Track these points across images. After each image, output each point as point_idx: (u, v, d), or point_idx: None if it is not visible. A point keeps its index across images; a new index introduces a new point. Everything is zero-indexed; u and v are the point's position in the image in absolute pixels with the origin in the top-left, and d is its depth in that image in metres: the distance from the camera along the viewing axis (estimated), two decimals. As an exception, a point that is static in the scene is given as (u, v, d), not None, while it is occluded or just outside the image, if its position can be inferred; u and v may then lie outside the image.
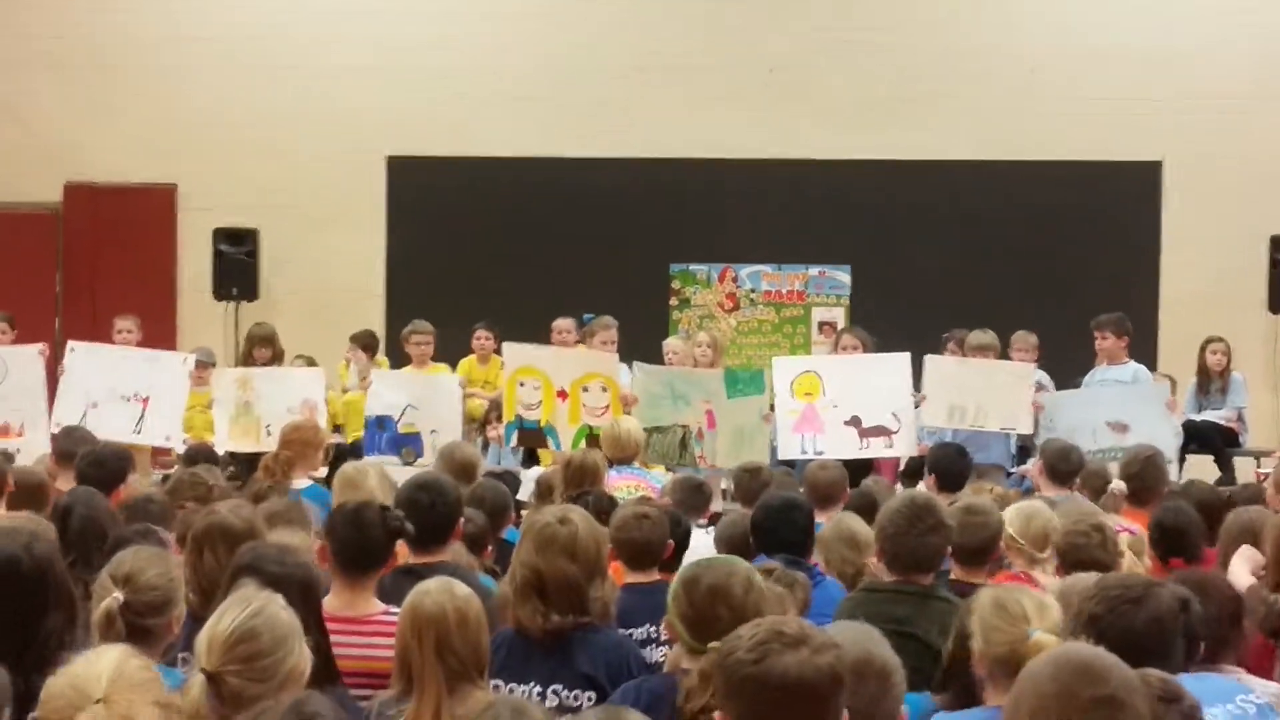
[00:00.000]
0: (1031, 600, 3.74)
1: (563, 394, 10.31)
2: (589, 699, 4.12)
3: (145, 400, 10.36)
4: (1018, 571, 5.47)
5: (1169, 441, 10.05)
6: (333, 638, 4.09)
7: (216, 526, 4.75)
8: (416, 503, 5.11)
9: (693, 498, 7.28)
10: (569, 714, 3.97)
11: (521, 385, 10.45)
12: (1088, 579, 4.05)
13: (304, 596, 3.84)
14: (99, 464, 6.84)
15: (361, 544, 4.44)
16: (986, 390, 10.26)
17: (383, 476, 6.22)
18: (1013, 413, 10.18)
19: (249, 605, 3.34)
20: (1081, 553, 5.06)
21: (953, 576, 4.97)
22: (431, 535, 5.06)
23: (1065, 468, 8.25)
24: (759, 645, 2.78)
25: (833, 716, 2.80)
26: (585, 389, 10.31)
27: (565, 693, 4.18)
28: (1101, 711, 2.49)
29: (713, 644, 3.50)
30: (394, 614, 4.30)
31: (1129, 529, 5.36)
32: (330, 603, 4.44)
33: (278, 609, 3.38)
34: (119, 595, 3.92)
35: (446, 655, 3.72)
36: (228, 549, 4.58)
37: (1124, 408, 10.20)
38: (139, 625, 3.92)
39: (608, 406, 10.13)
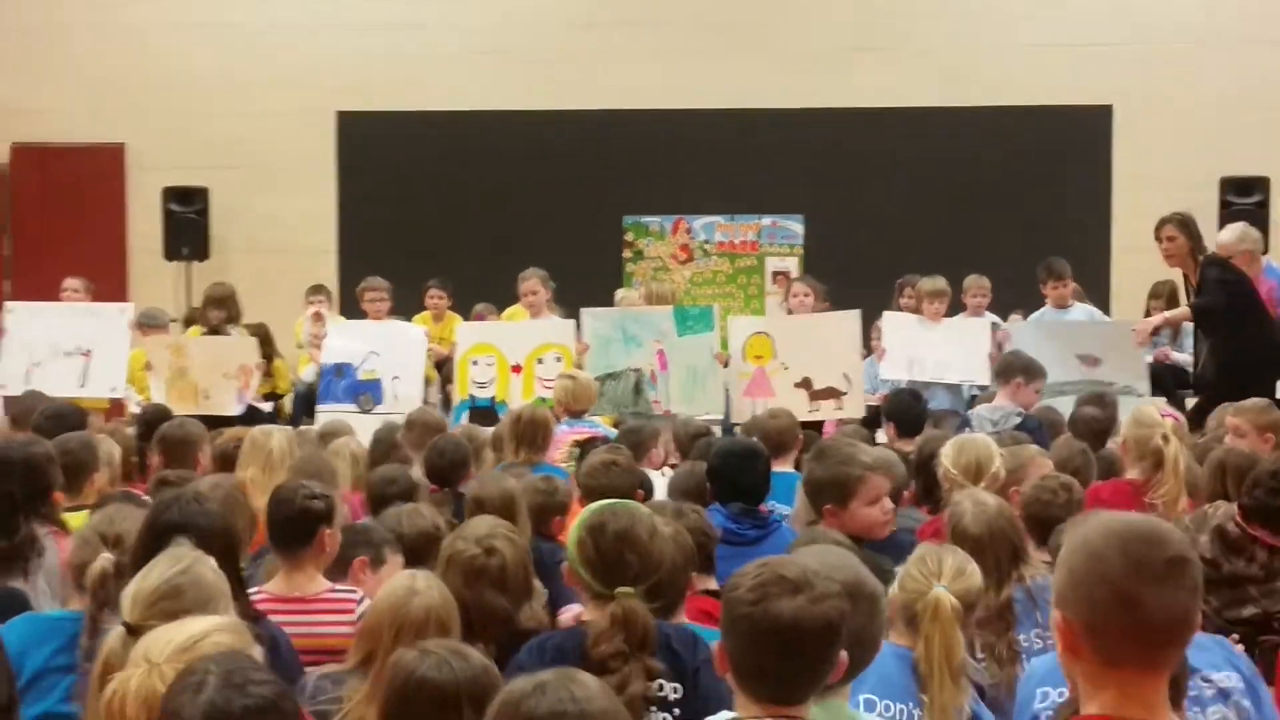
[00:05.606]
0: (954, 560, 3.82)
1: (517, 368, 10.30)
2: None
3: (88, 354, 10.36)
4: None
5: (1142, 376, 10.05)
6: (278, 619, 4.14)
7: None
8: None
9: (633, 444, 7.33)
10: None
11: (474, 364, 10.42)
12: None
13: (210, 547, 3.69)
14: (58, 418, 6.79)
15: (281, 523, 4.49)
16: (945, 345, 10.30)
17: (288, 439, 6.34)
18: (971, 365, 10.22)
19: (178, 563, 3.33)
20: (1048, 510, 5.02)
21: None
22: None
23: (1037, 369, 8.63)
24: (759, 586, 2.80)
25: (826, 664, 2.82)
26: (540, 361, 10.30)
27: None
28: (1176, 571, 2.40)
29: (621, 589, 3.56)
30: (340, 591, 4.40)
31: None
32: (275, 585, 4.50)
33: (205, 569, 3.36)
34: (110, 556, 3.93)
35: None
36: None
37: (1094, 341, 10.18)
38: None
39: None
